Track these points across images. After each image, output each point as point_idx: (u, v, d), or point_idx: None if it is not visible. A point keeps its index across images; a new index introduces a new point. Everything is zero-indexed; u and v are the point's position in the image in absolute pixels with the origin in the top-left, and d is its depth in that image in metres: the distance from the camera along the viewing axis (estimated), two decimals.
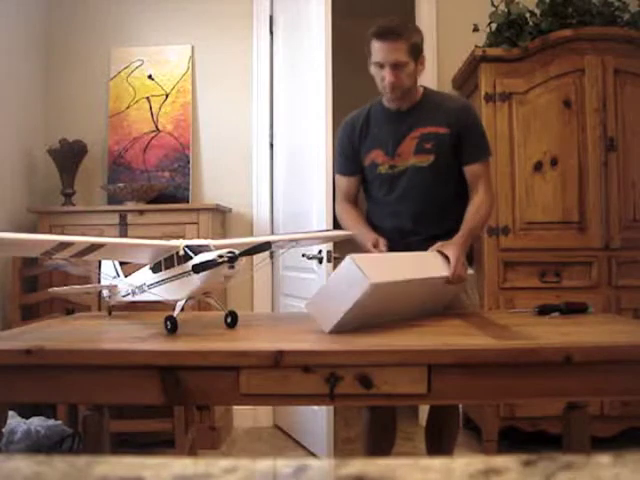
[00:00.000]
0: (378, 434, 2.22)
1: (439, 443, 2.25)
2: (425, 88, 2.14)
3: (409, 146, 2.03)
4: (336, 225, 2.69)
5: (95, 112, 3.60)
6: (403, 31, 1.97)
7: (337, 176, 2.23)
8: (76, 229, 3.05)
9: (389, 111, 2.08)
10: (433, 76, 3.42)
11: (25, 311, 3.04)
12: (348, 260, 1.52)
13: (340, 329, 1.52)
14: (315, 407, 2.85)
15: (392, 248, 2.00)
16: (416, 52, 1.99)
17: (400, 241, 2.03)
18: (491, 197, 2.11)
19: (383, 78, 1.98)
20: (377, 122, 2.10)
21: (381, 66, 1.97)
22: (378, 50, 1.96)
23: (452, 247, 1.88)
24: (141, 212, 3.20)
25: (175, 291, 1.57)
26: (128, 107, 3.57)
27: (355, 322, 1.55)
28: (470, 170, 2.08)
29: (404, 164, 2.04)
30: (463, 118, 2.05)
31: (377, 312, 1.62)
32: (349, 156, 2.15)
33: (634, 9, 3.13)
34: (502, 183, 2.97)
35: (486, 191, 2.07)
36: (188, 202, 3.46)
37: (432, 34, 3.46)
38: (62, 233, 2.93)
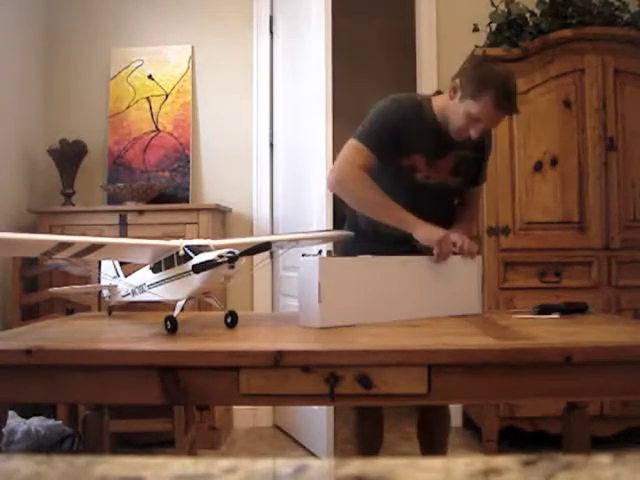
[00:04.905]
0: (368, 432, 2.24)
1: (431, 441, 2.27)
2: None
3: (447, 163, 2.03)
4: (336, 225, 2.69)
5: (95, 112, 3.60)
6: (516, 104, 1.91)
7: (361, 145, 1.96)
8: (76, 229, 3.05)
9: (436, 121, 2.01)
10: (433, 76, 3.42)
11: (25, 311, 3.03)
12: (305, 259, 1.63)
13: (333, 322, 1.59)
14: (315, 407, 2.85)
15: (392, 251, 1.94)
16: None
17: (403, 245, 1.94)
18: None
19: (468, 128, 1.91)
20: (425, 128, 1.99)
21: (476, 120, 1.90)
22: (489, 114, 1.87)
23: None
24: (141, 212, 3.20)
25: (175, 291, 1.57)
26: (128, 107, 3.57)
27: (346, 311, 1.61)
28: (475, 190, 2.23)
29: (438, 179, 2.03)
30: (488, 144, 2.17)
31: (366, 299, 1.67)
32: (392, 140, 1.96)
33: (634, 9, 3.13)
34: (502, 183, 2.97)
35: (478, 209, 2.40)
36: (188, 202, 3.46)
37: (432, 34, 3.46)
38: (62, 233, 2.93)
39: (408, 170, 2.00)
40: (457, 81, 1.94)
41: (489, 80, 1.87)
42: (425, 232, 1.90)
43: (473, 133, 1.91)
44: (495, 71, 1.96)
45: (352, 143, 1.99)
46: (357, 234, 2.09)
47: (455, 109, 1.93)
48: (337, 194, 2.08)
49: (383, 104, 2.02)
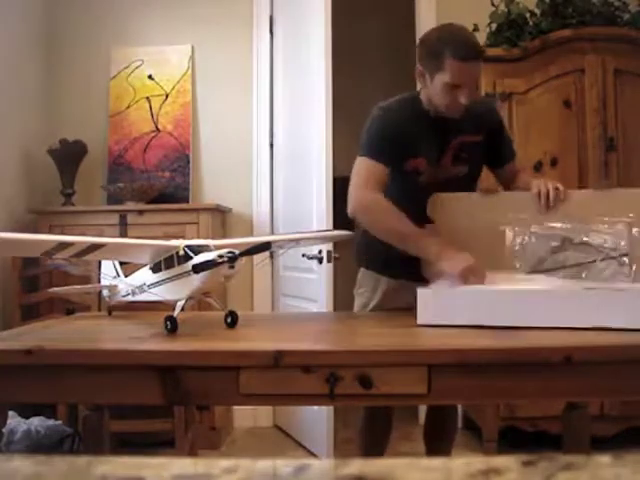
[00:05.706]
0: (376, 427, 2.23)
1: (439, 443, 2.26)
2: None
3: (449, 156, 1.94)
4: (336, 225, 2.69)
5: (95, 112, 3.59)
6: (480, 47, 1.84)
7: (371, 162, 1.87)
8: (76, 229, 3.04)
9: (429, 115, 1.93)
10: None
11: (25, 311, 3.03)
12: None
13: None
14: (315, 407, 2.85)
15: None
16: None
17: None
18: None
19: (455, 98, 1.81)
20: (420, 126, 1.92)
21: (455, 86, 1.79)
22: (458, 71, 1.77)
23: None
24: (141, 212, 3.20)
25: (175, 291, 1.57)
26: (128, 107, 3.57)
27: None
28: (509, 168, 2.09)
29: (444, 175, 1.95)
30: (490, 120, 2.03)
31: None
32: (395, 146, 1.88)
33: (634, 9, 3.13)
34: None
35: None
36: (188, 202, 3.45)
37: None
38: (62, 233, 2.93)
39: (413, 175, 1.93)
40: (419, 67, 1.89)
41: (440, 43, 1.82)
42: (448, 265, 1.70)
43: (463, 100, 1.81)
44: (439, 32, 1.89)
45: (362, 161, 1.90)
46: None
47: (434, 91, 1.86)
48: (358, 220, 1.94)
49: (376, 114, 1.95)
